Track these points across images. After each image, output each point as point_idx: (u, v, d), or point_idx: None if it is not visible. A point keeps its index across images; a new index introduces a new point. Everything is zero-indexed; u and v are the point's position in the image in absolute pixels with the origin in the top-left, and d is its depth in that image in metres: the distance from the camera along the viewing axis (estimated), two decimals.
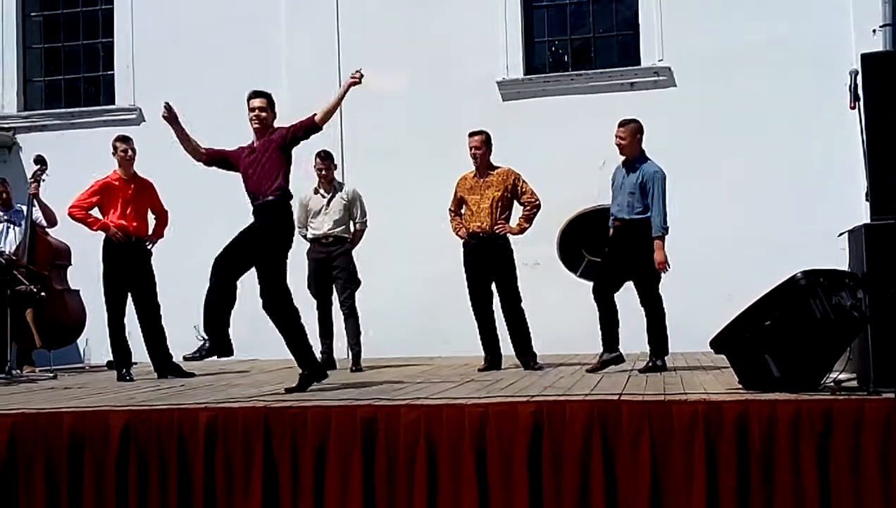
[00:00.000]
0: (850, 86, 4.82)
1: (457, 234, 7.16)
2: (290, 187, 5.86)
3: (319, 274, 7.52)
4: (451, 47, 9.43)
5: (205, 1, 9.93)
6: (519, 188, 7.03)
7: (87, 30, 10.62)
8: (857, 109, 4.79)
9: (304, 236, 7.58)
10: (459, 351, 7.95)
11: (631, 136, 6.40)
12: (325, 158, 7.61)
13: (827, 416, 4.23)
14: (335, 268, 7.48)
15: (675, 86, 9.12)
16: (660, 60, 9.19)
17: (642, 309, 6.37)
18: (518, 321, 6.95)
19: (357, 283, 7.54)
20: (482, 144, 7.02)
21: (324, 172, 7.57)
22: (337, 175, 7.85)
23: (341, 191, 7.61)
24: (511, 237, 7.01)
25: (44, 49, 10.73)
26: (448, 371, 6.80)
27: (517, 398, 4.77)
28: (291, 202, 5.88)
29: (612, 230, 6.52)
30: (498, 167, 7.09)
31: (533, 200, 7.02)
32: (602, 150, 8.94)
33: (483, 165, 7.06)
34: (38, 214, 8.16)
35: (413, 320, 8.97)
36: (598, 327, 6.35)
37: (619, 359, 6.35)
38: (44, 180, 8.01)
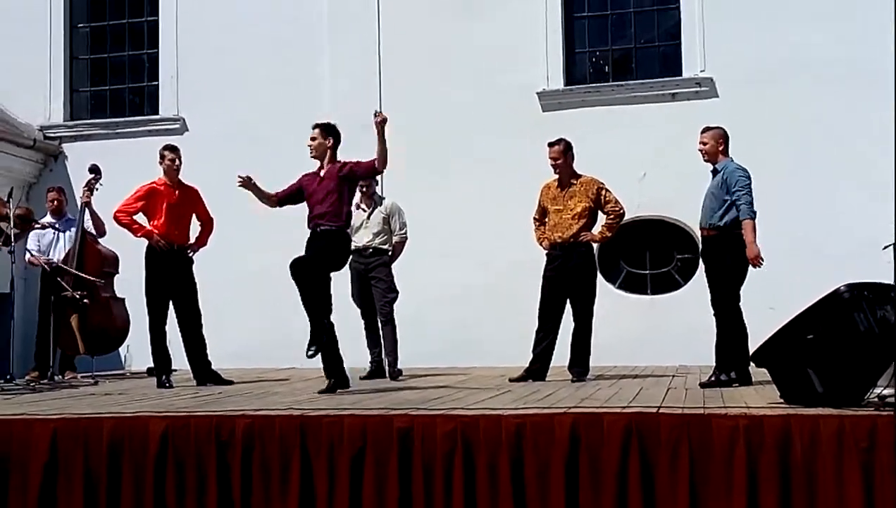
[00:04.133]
0: None
1: (540, 244, 7.05)
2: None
3: (360, 285, 7.61)
4: (491, 58, 9.44)
5: (248, 13, 10.04)
6: (602, 197, 6.88)
7: (133, 40, 10.78)
8: None
9: None
10: (495, 362, 7.93)
11: (713, 140, 6.24)
12: None
13: (871, 432, 4.15)
14: (373, 279, 7.54)
15: (718, 97, 9.04)
16: (702, 71, 9.12)
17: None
18: (584, 335, 6.81)
19: (395, 293, 7.59)
20: (560, 155, 6.87)
21: (364, 188, 7.64)
22: (377, 188, 7.91)
23: (381, 205, 7.68)
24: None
25: (90, 60, 10.91)
26: (485, 382, 6.78)
27: (554, 409, 4.74)
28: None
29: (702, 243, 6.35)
30: (581, 176, 6.94)
31: (617, 208, 6.89)
32: (643, 161, 8.96)
33: (565, 174, 6.91)
34: (88, 222, 8.26)
35: (450, 330, 8.97)
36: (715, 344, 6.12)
37: (730, 382, 5.95)
38: (97, 190, 8.12)
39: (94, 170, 8.14)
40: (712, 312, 6.17)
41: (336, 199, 6.16)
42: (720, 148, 6.25)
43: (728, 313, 6.09)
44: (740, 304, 6.11)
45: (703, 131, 6.33)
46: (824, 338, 4.59)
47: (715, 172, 6.26)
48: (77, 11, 10.83)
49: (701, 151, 6.31)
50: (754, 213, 6.05)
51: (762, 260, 6.01)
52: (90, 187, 8.09)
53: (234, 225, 8.47)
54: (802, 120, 8.62)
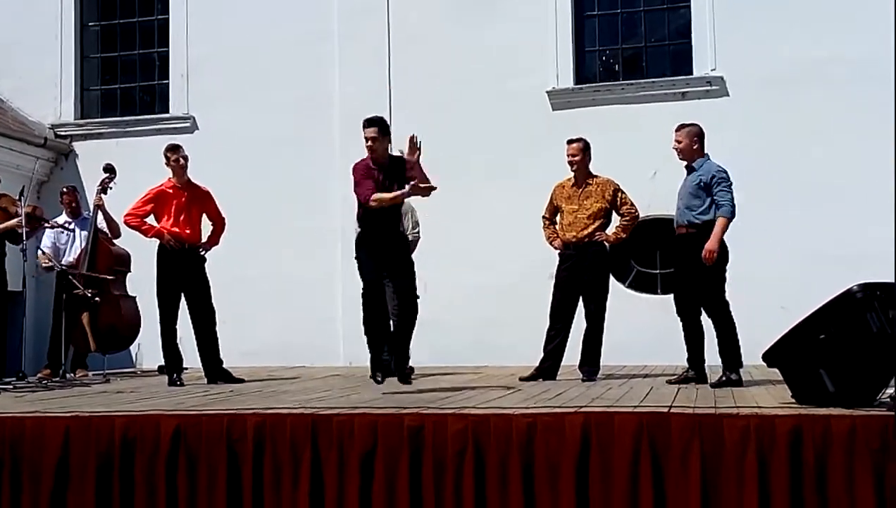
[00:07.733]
0: None
1: (550, 243, 7.02)
2: None
3: None
4: (501, 58, 9.43)
5: (258, 14, 10.06)
6: (618, 199, 6.87)
7: (143, 39, 10.81)
8: None
9: None
10: (510, 361, 7.93)
11: (687, 138, 6.22)
12: None
13: (883, 432, 4.14)
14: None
15: (728, 95, 9.02)
16: (712, 70, 9.10)
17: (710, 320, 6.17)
18: (596, 334, 6.82)
19: None
20: (579, 152, 6.86)
21: None
22: None
23: None
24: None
25: (100, 58, 10.93)
26: (496, 381, 6.78)
27: (565, 408, 4.74)
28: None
29: (675, 240, 6.33)
30: (596, 176, 6.93)
31: (633, 211, 6.89)
32: (653, 160, 8.92)
33: (581, 173, 6.90)
34: (101, 222, 8.27)
35: (467, 331, 8.97)
36: (684, 342, 6.23)
37: (703, 379, 6.13)
38: (111, 189, 8.14)
39: (109, 169, 8.16)
40: (683, 312, 6.23)
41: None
42: (695, 146, 6.22)
43: (719, 310, 6.09)
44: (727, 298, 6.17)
45: (677, 129, 6.31)
46: (836, 338, 4.57)
47: (690, 170, 6.23)
48: (88, 10, 10.87)
49: (676, 148, 6.29)
50: (732, 214, 6.06)
51: (714, 258, 5.98)
52: (104, 188, 8.11)
53: (245, 224, 8.49)
54: (814, 119, 8.58)
